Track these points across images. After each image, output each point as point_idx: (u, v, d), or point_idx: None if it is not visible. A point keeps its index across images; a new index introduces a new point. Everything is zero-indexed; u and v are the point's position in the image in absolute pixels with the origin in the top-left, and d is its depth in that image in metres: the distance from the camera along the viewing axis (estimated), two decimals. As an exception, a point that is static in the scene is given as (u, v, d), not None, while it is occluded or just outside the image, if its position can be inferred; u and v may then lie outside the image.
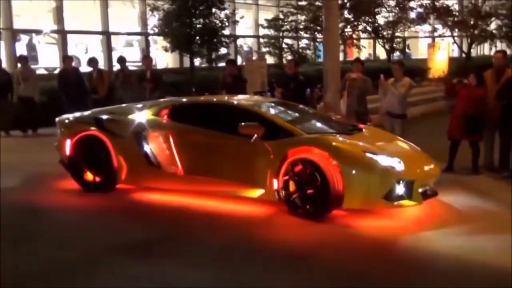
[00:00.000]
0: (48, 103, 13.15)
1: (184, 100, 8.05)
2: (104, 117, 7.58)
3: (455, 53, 32.18)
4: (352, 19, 25.40)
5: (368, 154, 6.10)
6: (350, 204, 6.05)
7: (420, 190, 6.15)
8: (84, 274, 4.83)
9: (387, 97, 8.98)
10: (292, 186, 6.22)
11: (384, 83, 8.99)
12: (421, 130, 8.04)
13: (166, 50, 19.58)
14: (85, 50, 22.41)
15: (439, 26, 30.06)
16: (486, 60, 27.40)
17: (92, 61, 13.29)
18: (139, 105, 7.76)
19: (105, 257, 5.23)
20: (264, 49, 24.46)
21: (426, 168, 6.51)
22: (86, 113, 8.05)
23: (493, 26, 30.11)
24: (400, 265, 5.07)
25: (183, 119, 7.20)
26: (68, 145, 7.55)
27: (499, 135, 8.32)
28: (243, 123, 6.47)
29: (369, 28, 26.77)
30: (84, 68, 15.29)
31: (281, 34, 24.21)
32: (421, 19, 28.60)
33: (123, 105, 8.62)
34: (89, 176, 7.43)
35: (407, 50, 30.08)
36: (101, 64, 17.91)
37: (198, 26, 18.72)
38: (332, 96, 10.49)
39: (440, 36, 31.01)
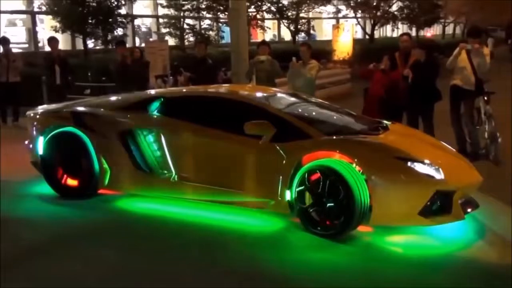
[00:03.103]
0: None
1: (180, 91, 7.12)
2: (83, 111, 6.66)
3: (359, 35, 32.56)
4: (256, -1, 24.94)
5: (402, 161, 5.14)
6: (379, 220, 5.10)
7: (459, 202, 5.20)
8: None
9: (296, 80, 8.75)
10: (308, 198, 5.23)
11: (296, 66, 8.75)
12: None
13: (56, 30, 18.41)
14: None
15: (343, 7, 30.29)
16: (389, 41, 28.02)
17: (-29, 43, 12.25)
18: (125, 98, 6.82)
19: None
20: (164, 30, 23.58)
21: (467, 175, 5.52)
22: (61, 106, 7.11)
23: (394, 7, 30.75)
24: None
25: (178, 114, 6.18)
26: (41, 143, 6.61)
27: (407, 118, 8.28)
28: (250, 121, 5.49)
29: (273, 9, 26.53)
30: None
31: (182, 14, 23.31)
32: (325, -1, 28.60)
33: (105, 97, 7.61)
34: (65, 180, 6.50)
35: (311, 32, 30.00)
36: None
37: (91, 4, 17.88)
38: (240, 80, 9.78)
39: (344, 17, 31.29)
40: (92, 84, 14.79)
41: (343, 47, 23.22)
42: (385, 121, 6.47)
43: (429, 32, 41.64)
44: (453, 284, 4.31)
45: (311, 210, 5.20)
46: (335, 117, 6.30)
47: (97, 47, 19.85)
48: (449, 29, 46.47)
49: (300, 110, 6.24)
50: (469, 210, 5.26)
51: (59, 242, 5.17)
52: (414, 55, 8.21)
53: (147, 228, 5.51)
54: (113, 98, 7.06)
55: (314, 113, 6.33)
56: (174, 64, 15.45)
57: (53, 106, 7.19)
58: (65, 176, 6.46)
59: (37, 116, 6.95)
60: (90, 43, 19.18)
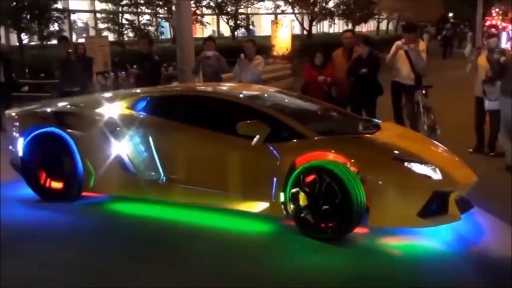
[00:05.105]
0: None
1: (167, 89, 6.90)
2: (66, 110, 6.42)
3: (297, 31, 32.96)
4: (196, -5, 24.78)
5: (398, 161, 5.05)
6: (377, 222, 4.98)
7: (455, 202, 5.10)
8: None
9: (243, 75, 8.79)
10: (303, 200, 5.08)
11: (244, 62, 8.81)
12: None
13: (-12, 25, 17.56)
14: None
15: (281, 3, 30.58)
16: (326, 37, 28.57)
17: None
18: (110, 96, 6.58)
19: None
20: (102, 25, 23.07)
21: (462, 175, 5.36)
22: (42, 104, 6.86)
23: (331, 4, 31.34)
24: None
25: (166, 114, 5.98)
26: (21, 144, 6.37)
27: (351, 112, 8.30)
28: (243, 121, 5.31)
29: (212, 4, 26.49)
30: None
31: (120, 9, 22.88)
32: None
33: (89, 95, 7.28)
34: (48, 182, 6.26)
35: (251, 27, 30.11)
36: None
37: (26, -2, 17.23)
38: (187, 76, 9.77)
39: (282, 13, 31.58)
40: (30, 81, 14.42)
41: (282, 43, 23.47)
42: (375, 120, 6.48)
43: (364, 28, 42.66)
44: (452, 285, 4.30)
45: (306, 213, 5.07)
46: (327, 116, 6.26)
47: (33, 43, 19.21)
48: (383, 25, 47.76)
49: (292, 109, 6.11)
50: (465, 210, 5.18)
51: (38, 246, 4.98)
52: (357, 51, 8.49)
53: (133, 232, 5.35)
54: (97, 96, 6.80)
55: (306, 112, 6.21)
56: (115, 61, 15.24)
57: (33, 105, 6.88)
58: (47, 178, 6.24)
59: (17, 116, 6.66)
60: (25, 39, 18.53)
